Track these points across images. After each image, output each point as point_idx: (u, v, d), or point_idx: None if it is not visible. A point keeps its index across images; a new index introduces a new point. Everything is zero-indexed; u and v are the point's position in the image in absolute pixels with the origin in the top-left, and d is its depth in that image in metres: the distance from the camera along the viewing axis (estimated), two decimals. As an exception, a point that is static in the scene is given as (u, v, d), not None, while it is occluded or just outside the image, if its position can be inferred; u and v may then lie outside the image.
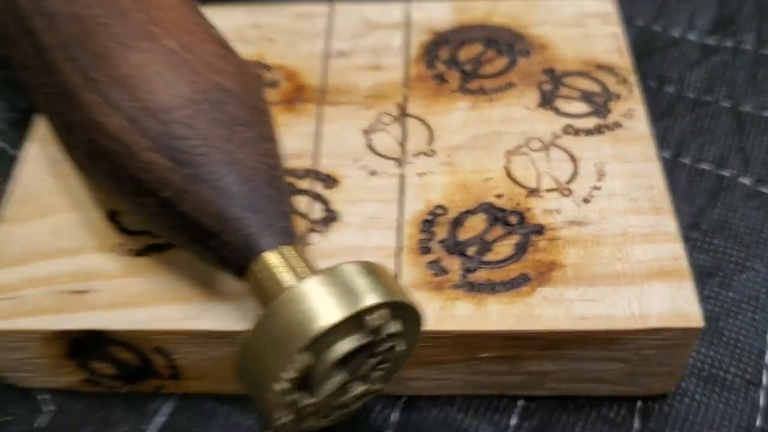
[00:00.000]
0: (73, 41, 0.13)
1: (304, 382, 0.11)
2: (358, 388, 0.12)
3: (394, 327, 0.11)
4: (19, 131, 0.20)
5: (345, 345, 0.11)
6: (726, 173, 0.19)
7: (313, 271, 0.12)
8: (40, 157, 0.17)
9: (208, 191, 0.12)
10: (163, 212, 0.13)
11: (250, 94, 0.13)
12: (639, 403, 0.15)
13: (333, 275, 0.11)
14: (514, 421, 0.15)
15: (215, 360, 0.15)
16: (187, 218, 0.12)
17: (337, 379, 0.11)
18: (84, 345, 0.15)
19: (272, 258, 0.12)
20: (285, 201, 0.13)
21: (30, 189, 0.17)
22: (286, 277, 0.12)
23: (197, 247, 0.13)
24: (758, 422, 0.15)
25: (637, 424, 0.15)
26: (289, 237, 0.12)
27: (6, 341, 0.15)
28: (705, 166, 0.19)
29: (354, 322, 0.11)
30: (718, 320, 0.16)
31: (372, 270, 0.11)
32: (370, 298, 0.11)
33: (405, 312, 0.11)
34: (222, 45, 0.14)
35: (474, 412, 0.15)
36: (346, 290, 0.11)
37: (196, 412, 0.16)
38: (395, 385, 0.15)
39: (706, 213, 0.18)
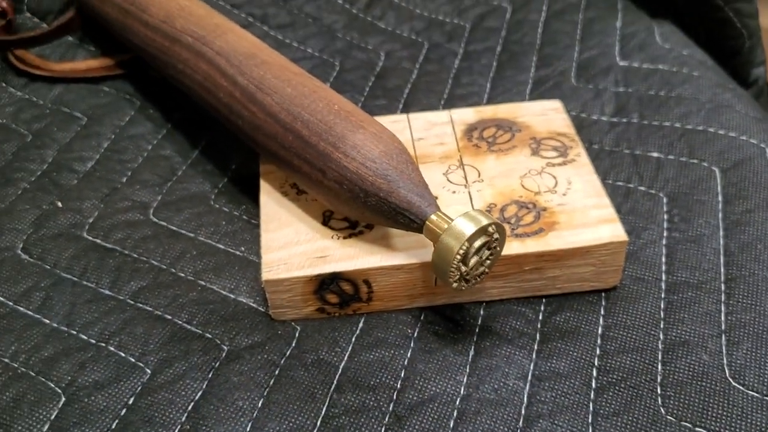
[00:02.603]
0: (322, 131, 0.27)
1: (463, 259, 0.25)
2: (480, 268, 0.25)
3: (498, 235, 0.25)
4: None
5: (480, 240, 0.25)
6: (630, 185, 0.33)
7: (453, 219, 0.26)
8: (269, 198, 0.31)
9: (401, 192, 0.26)
10: (379, 205, 0.26)
11: (404, 147, 0.28)
12: (602, 293, 0.29)
13: (467, 215, 0.25)
14: (542, 307, 0.29)
15: (395, 285, 0.28)
16: (392, 205, 0.26)
17: (475, 258, 0.25)
18: (325, 282, 0.28)
19: (434, 217, 0.26)
20: (430, 191, 0.27)
21: (270, 214, 0.30)
22: (446, 221, 0.25)
23: (396, 219, 0.26)
24: (664, 295, 0.29)
25: (603, 302, 0.29)
26: (437, 207, 0.26)
27: (284, 285, 0.28)
28: (618, 182, 0.34)
29: (482, 231, 0.24)
30: (636, 250, 0.30)
31: (483, 212, 0.25)
32: (489, 220, 0.25)
33: (500, 230, 0.25)
34: (384, 127, 0.28)
35: (521, 304, 0.29)
36: (477, 219, 0.25)
37: (378, 319, 0.29)
38: (479, 294, 0.29)
39: (622, 206, 0.33)
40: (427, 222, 0.26)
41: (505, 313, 0.28)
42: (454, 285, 0.25)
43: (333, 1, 0.45)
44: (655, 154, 0.34)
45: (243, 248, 0.31)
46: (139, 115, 0.38)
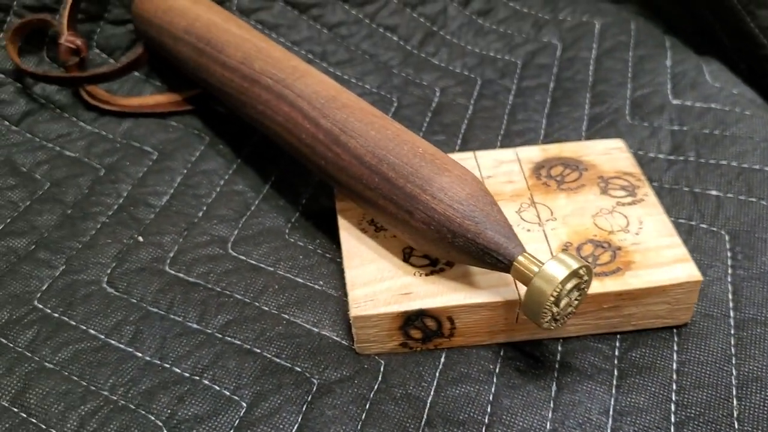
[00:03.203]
0: (408, 173, 0.28)
1: (555, 302, 0.26)
2: (570, 308, 0.26)
3: (587, 276, 0.26)
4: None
5: (572, 281, 0.26)
6: (692, 223, 0.34)
7: (542, 261, 0.27)
8: (348, 235, 0.32)
9: (489, 233, 0.27)
10: (467, 246, 0.27)
11: (487, 189, 0.29)
12: (674, 330, 0.30)
13: (558, 258, 0.26)
14: (617, 343, 0.30)
15: (477, 322, 0.29)
16: (479, 246, 0.27)
17: (566, 300, 0.26)
18: (411, 319, 0.29)
19: (522, 258, 0.27)
20: (514, 232, 0.28)
21: (352, 251, 0.31)
22: (536, 263, 0.26)
23: (483, 260, 0.27)
24: (733, 331, 0.30)
25: (675, 338, 0.30)
26: (523, 247, 0.27)
27: (371, 321, 0.29)
28: (681, 220, 0.35)
29: (574, 273, 0.25)
30: (703, 287, 0.31)
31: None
32: (579, 263, 0.26)
33: (589, 271, 0.26)
34: (468, 170, 0.29)
35: (597, 340, 0.30)
36: (567, 263, 0.26)
37: (459, 354, 0.30)
38: (557, 331, 0.30)
39: (686, 244, 0.34)
40: (515, 263, 0.27)
41: (583, 349, 0.29)
42: (545, 325, 0.26)
43: (388, 38, 0.46)
44: (714, 192, 0.35)
45: (321, 282, 0.32)
46: (209, 150, 0.39)
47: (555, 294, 0.25)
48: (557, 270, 0.25)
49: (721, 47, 0.46)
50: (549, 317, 0.26)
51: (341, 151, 0.30)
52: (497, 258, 0.27)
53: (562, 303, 0.26)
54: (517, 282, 0.28)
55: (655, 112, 0.40)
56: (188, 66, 0.39)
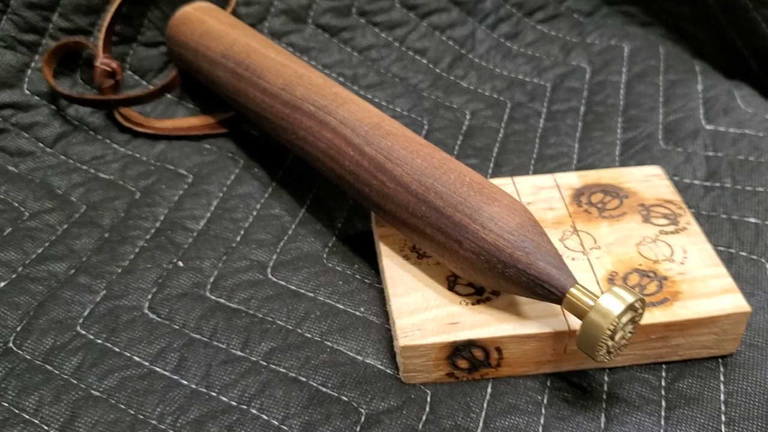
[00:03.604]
0: (457, 202, 0.28)
1: (611, 336, 0.25)
2: (623, 341, 0.26)
3: (641, 309, 0.26)
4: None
5: (628, 315, 0.25)
6: (731, 250, 0.34)
7: (595, 294, 0.26)
8: (391, 262, 0.31)
9: (540, 264, 0.27)
10: (517, 276, 0.27)
11: (536, 219, 0.29)
12: (720, 359, 0.30)
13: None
14: (663, 374, 0.30)
15: (525, 352, 0.29)
16: (531, 277, 0.27)
17: (621, 333, 0.26)
18: (459, 349, 0.28)
19: (575, 291, 0.26)
20: (565, 263, 0.27)
21: (396, 278, 0.31)
22: (590, 296, 0.26)
23: (534, 291, 0.27)
24: (778, 363, 0.30)
25: (722, 368, 0.30)
26: (575, 279, 0.27)
27: (419, 351, 0.28)
28: (720, 247, 0.35)
29: (630, 307, 0.25)
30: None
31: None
32: (635, 296, 0.25)
33: (643, 303, 0.26)
34: (516, 200, 0.29)
35: (643, 370, 0.30)
36: (622, 297, 0.25)
37: (505, 384, 0.29)
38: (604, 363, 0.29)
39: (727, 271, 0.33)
40: (567, 295, 0.26)
41: (629, 379, 0.29)
42: (599, 358, 0.26)
43: (418, 61, 0.46)
44: (752, 220, 0.35)
45: (362, 309, 0.32)
46: (244, 173, 0.39)
47: (611, 328, 0.25)
48: (613, 304, 0.25)
49: (750, 71, 0.46)
50: (604, 350, 0.26)
51: (386, 179, 0.30)
52: (549, 290, 0.27)
53: (617, 336, 0.26)
54: (566, 312, 0.28)
55: (688, 138, 0.40)
56: (226, 90, 0.39)
